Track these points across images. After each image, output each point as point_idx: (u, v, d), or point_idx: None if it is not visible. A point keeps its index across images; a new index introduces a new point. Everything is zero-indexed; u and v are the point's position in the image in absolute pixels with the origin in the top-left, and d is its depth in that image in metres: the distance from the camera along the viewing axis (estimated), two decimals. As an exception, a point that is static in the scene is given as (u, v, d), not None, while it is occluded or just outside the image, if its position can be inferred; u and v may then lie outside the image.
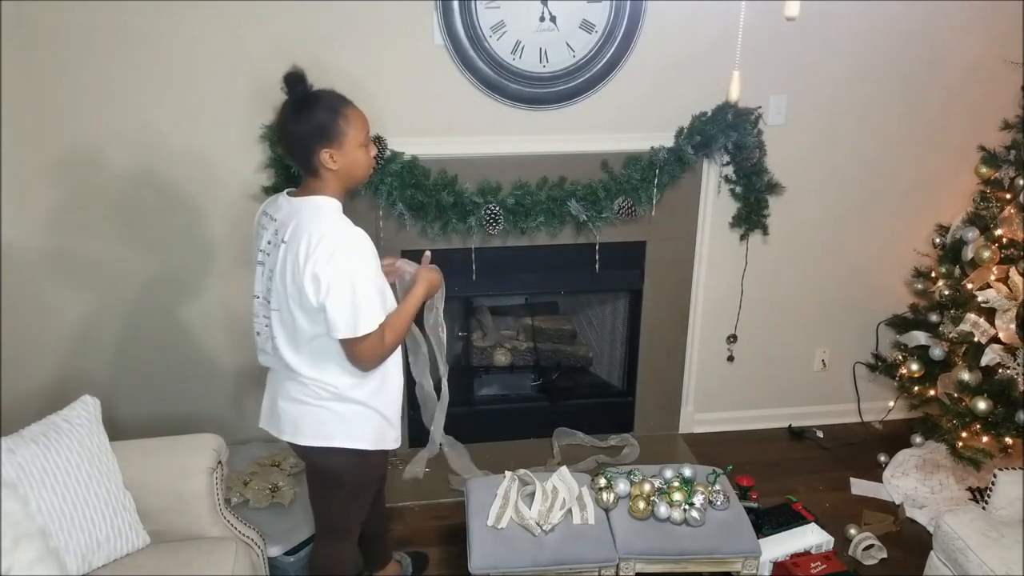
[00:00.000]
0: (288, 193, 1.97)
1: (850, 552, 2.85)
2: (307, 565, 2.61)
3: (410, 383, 2.33)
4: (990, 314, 2.88)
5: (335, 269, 1.81)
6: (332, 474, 2.10)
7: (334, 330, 1.86)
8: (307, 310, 1.87)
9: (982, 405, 2.79)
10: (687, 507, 2.44)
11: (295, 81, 1.87)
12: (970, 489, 3.11)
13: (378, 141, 2.84)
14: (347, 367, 1.96)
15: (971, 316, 2.91)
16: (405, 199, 2.93)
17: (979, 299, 2.89)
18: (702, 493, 2.48)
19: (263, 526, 2.51)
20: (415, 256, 2.32)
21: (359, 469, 2.09)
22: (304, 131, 1.85)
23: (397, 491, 3.06)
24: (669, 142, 3.08)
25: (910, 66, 3.19)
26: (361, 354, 1.91)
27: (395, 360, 2.08)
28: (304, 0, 2.75)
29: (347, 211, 2.98)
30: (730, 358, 3.56)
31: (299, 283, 1.84)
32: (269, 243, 1.96)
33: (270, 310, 1.98)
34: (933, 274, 3.24)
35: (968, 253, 2.99)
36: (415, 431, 3.27)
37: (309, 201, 1.90)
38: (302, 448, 2.06)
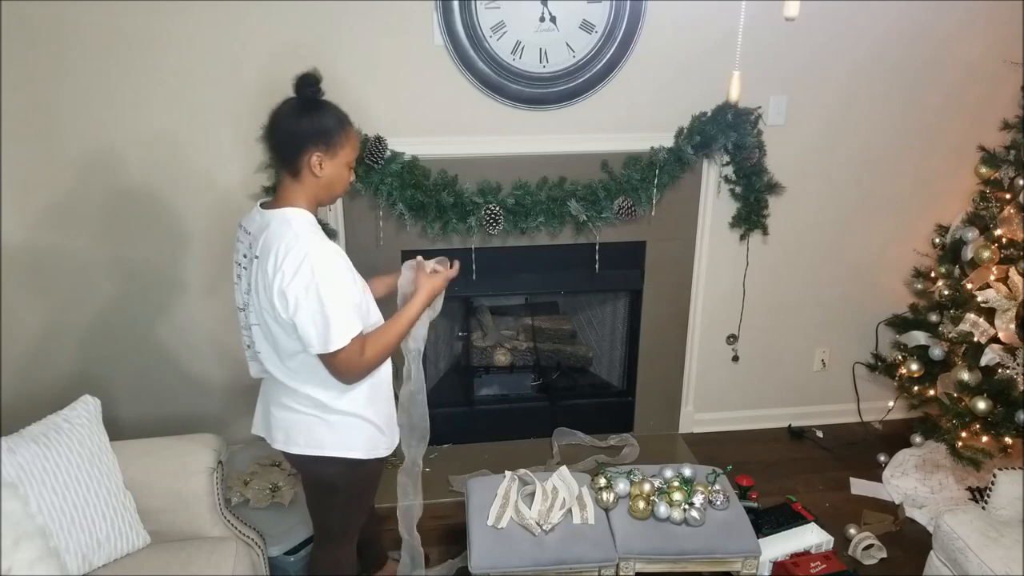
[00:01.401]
0: (261, 205, 1.94)
1: (850, 552, 2.85)
2: (307, 565, 2.62)
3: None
4: (990, 314, 2.88)
5: (301, 284, 1.78)
6: (326, 482, 2.09)
7: (308, 346, 1.85)
8: (283, 325, 1.86)
9: (982, 405, 2.79)
10: (687, 507, 2.44)
11: (310, 82, 1.85)
12: (970, 489, 3.11)
13: (378, 141, 2.84)
14: (329, 382, 1.93)
15: (971, 316, 2.91)
16: (405, 199, 2.93)
17: (979, 299, 2.89)
18: (702, 493, 2.48)
19: (263, 526, 2.51)
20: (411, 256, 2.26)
21: (353, 477, 2.08)
22: (304, 130, 1.82)
23: (393, 492, 3.06)
24: (669, 142, 3.08)
25: (910, 66, 3.19)
26: (338, 368, 1.88)
27: (386, 366, 2.06)
28: (304, 0, 2.75)
29: (346, 211, 3.01)
30: (735, 358, 3.57)
31: (271, 299, 1.82)
32: (245, 256, 1.95)
33: (251, 324, 1.97)
34: (933, 274, 3.24)
35: (968, 253, 3.00)
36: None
37: (279, 213, 1.87)
38: (295, 457, 2.05)
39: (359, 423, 2.01)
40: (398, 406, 2.21)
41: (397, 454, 2.18)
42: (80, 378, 3.09)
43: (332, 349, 1.83)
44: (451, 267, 2.19)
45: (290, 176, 1.88)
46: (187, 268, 3.06)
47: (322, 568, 2.28)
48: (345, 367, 1.88)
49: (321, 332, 1.81)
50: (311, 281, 1.78)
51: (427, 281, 2.11)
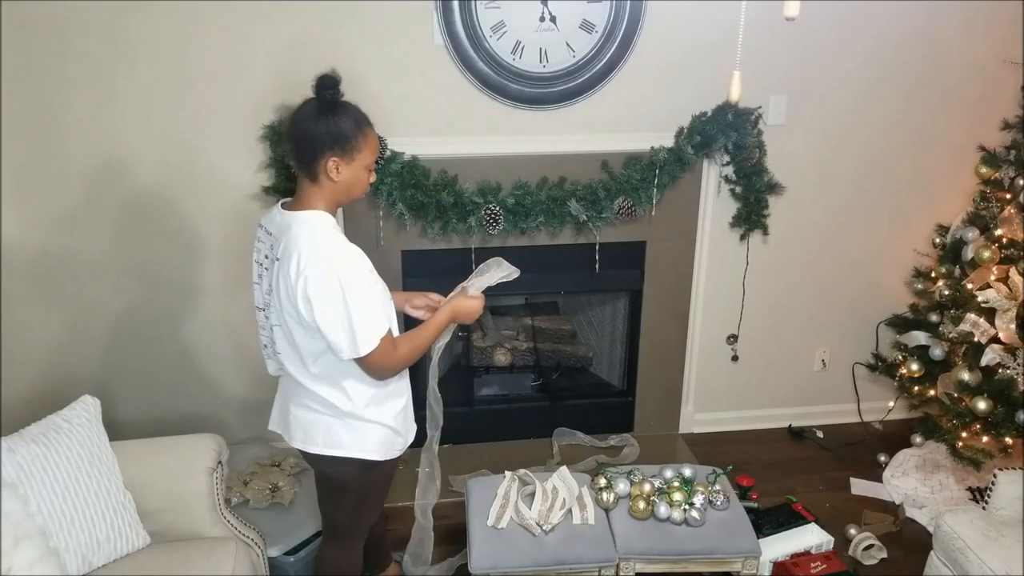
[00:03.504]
0: (282, 205, 1.93)
1: (850, 552, 2.85)
2: (308, 565, 2.61)
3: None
4: (990, 314, 2.88)
5: (326, 290, 1.78)
6: (341, 482, 2.09)
7: (337, 352, 1.85)
8: (306, 327, 1.86)
9: (982, 405, 2.79)
10: (687, 507, 2.44)
11: (329, 84, 1.81)
12: (970, 489, 3.11)
13: (378, 141, 2.83)
14: (348, 387, 1.94)
15: (971, 316, 2.91)
16: (405, 199, 2.93)
17: (979, 299, 2.89)
18: (702, 493, 2.48)
19: (263, 526, 2.51)
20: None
21: (368, 477, 2.09)
22: (321, 133, 1.80)
23: (397, 491, 3.05)
24: (669, 142, 3.08)
25: (910, 66, 3.19)
26: (371, 368, 1.90)
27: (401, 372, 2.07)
28: (305, 0, 2.75)
29: (346, 211, 3.01)
30: (735, 358, 3.56)
31: (294, 303, 1.82)
32: (266, 257, 1.95)
33: (272, 325, 1.97)
34: (933, 274, 3.24)
35: (968, 253, 3.00)
36: (423, 431, 3.29)
37: (299, 216, 1.86)
38: (312, 456, 2.06)
39: (376, 427, 2.02)
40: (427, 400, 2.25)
41: (405, 456, 2.17)
42: (80, 378, 3.09)
43: (362, 354, 1.84)
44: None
45: (308, 179, 1.87)
46: (190, 269, 3.06)
47: (327, 566, 2.28)
48: (379, 365, 1.89)
49: (349, 337, 1.82)
50: (336, 286, 1.78)
51: (461, 302, 2.10)
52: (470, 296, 2.14)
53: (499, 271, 2.18)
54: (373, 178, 1.96)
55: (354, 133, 1.84)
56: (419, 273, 3.11)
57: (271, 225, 1.94)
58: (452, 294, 2.18)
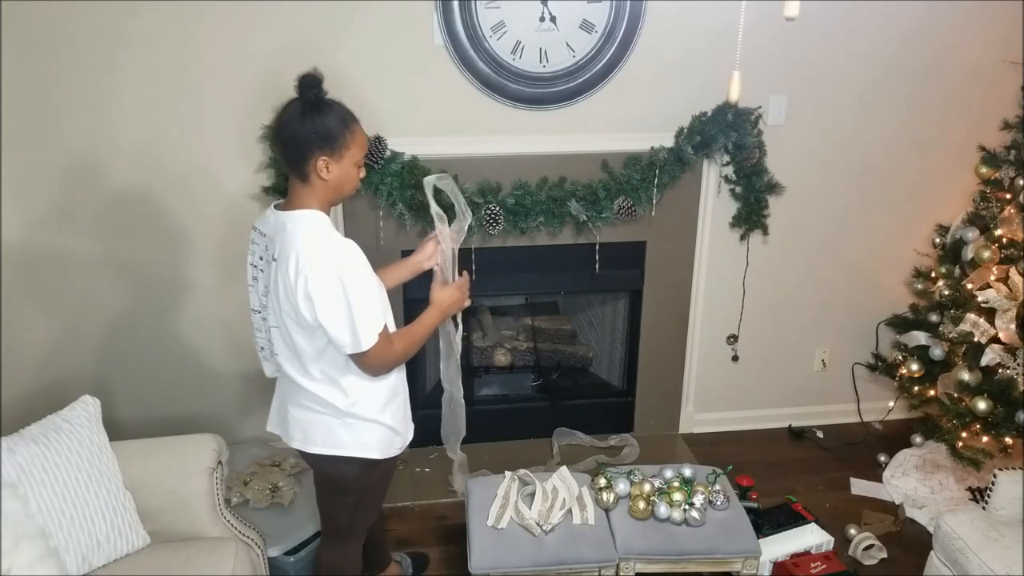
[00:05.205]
0: (275, 206, 1.93)
1: (850, 552, 2.85)
2: (308, 565, 2.62)
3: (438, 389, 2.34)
4: (990, 314, 2.88)
5: (326, 287, 1.78)
6: (340, 482, 2.10)
7: (340, 347, 1.86)
8: (305, 328, 1.86)
9: (982, 405, 2.79)
10: (687, 507, 2.44)
11: (311, 83, 1.80)
12: (970, 489, 3.11)
13: (378, 141, 2.84)
14: (346, 387, 1.95)
15: (971, 316, 2.91)
16: (405, 199, 2.93)
17: (979, 299, 2.89)
18: (702, 493, 2.48)
19: (263, 526, 2.51)
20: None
21: (368, 476, 2.09)
22: (308, 133, 1.79)
23: (397, 491, 3.06)
24: (669, 142, 3.08)
25: (910, 66, 3.19)
26: (368, 364, 1.91)
27: (398, 370, 2.07)
28: (305, 0, 2.75)
29: (346, 211, 3.01)
30: (735, 358, 3.57)
31: (293, 303, 1.81)
32: (261, 259, 1.95)
33: (269, 326, 1.97)
34: (933, 274, 3.24)
35: (968, 253, 3.00)
36: (422, 431, 3.29)
37: (293, 215, 1.86)
38: (311, 456, 2.06)
39: (375, 426, 2.02)
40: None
41: (401, 455, 2.18)
42: (80, 378, 3.09)
43: (364, 348, 1.85)
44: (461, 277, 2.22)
45: (299, 180, 1.87)
46: (189, 269, 3.06)
47: (327, 566, 2.28)
48: (376, 361, 1.90)
49: (351, 333, 1.82)
50: (336, 283, 1.78)
51: (443, 294, 2.12)
52: (445, 287, 2.15)
53: (457, 224, 2.21)
54: (363, 174, 1.95)
55: (341, 131, 1.83)
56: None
57: (265, 226, 1.94)
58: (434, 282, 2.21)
